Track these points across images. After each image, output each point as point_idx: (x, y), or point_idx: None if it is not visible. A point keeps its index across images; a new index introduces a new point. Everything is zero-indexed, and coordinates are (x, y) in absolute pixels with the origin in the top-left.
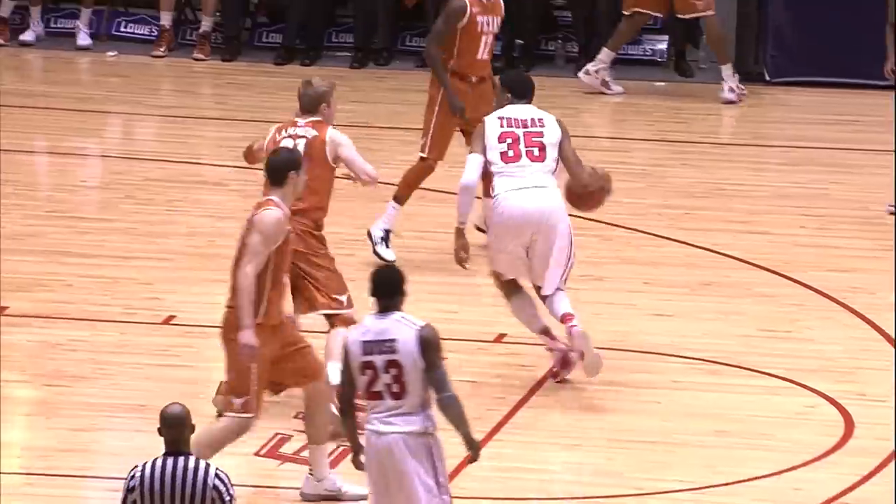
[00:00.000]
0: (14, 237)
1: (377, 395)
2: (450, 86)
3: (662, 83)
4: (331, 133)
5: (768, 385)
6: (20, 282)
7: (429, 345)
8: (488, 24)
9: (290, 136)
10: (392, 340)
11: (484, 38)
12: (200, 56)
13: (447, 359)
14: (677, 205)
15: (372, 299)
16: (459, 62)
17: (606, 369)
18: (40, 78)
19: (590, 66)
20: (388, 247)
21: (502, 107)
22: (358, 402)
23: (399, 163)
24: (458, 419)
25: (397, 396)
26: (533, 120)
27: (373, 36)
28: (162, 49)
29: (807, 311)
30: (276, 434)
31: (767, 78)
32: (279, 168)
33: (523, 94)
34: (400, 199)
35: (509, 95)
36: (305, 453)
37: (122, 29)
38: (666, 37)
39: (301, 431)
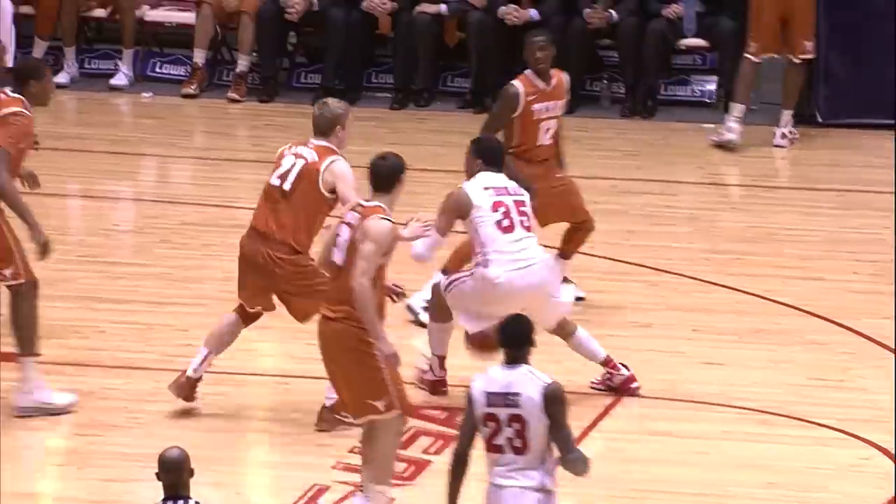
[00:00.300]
0: (46, 282)
1: (498, 449)
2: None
3: (712, 125)
4: (332, 164)
5: (820, 436)
6: (52, 328)
7: (554, 402)
8: (547, 110)
9: (292, 154)
10: (517, 395)
11: (543, 125)
12: (236, 97)
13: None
14: (726, 250)
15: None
16: (520, 148)
17: (653, 419)
18: (74, 120)
19: (784, 131)
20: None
21: (474, 175)
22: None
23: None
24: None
25: (519, 451)
26: (514, 188)
27: (413, 76)
28: (193, 87)
29: (859, 359)
30: (314, 485)
31: (820, 120)
32: (387, 174)
33: (496, 161)
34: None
35: (480, 162)
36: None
37: (158, 70)
38: (715, 77)
39: (341, 482)
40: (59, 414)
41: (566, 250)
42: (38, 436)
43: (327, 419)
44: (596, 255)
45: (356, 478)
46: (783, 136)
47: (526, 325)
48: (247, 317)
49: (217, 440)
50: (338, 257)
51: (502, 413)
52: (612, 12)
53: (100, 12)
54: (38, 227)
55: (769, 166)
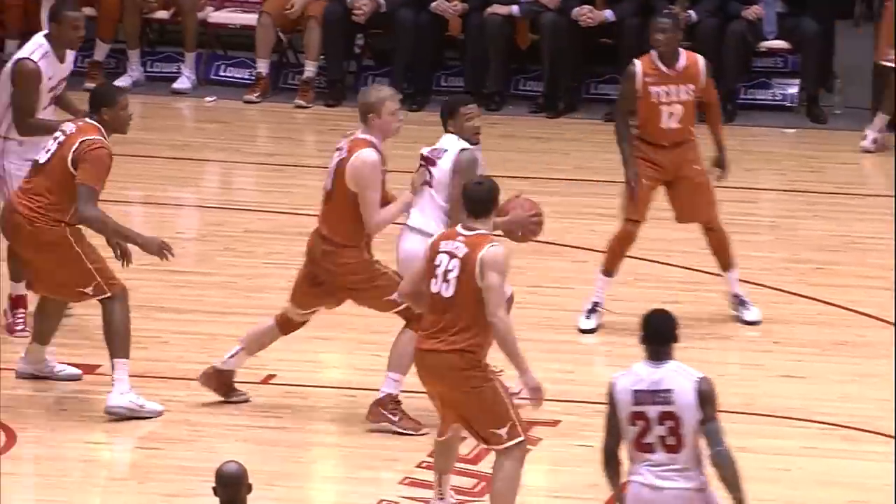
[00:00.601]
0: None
1: (648, 448)
2: (626, 156)
3: (793, 130)
4: (360, 161)
5: None
6: None
7: (708, 397)
8: (668, 94)
9: (336, 149)
10: (668, 391)
11: (664, 109)
12: (303, 103)
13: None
14: (808, 259)
15: (643, 346)
16: (644, 130)
17: (733, 434)
18: (137, 124)
19: (876, 136)
20: (589, 317)
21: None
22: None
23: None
24: (732, 477)
25: (672, 450)
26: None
27: (484, 79)
28: (256, 94)
29: None
30: (381, 501)
31: None
32: (487, 199)
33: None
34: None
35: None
36: None
37: (221, 73)
38: (797, 80)
39: (408, 498)
40: (145, 418)
41: (722, 264)
42: (98, 449)
43: (373, 412)
44: (672, 265)
45: (424, 493)
46: (874, 140)
47: (670, 319)
48: (286, 325)
49: (280, 454)
50: (443, 288)
51: (652, 411)
52: (692, 13)
53: (162, 14)
54: (143, 238)
55: (853, 172)
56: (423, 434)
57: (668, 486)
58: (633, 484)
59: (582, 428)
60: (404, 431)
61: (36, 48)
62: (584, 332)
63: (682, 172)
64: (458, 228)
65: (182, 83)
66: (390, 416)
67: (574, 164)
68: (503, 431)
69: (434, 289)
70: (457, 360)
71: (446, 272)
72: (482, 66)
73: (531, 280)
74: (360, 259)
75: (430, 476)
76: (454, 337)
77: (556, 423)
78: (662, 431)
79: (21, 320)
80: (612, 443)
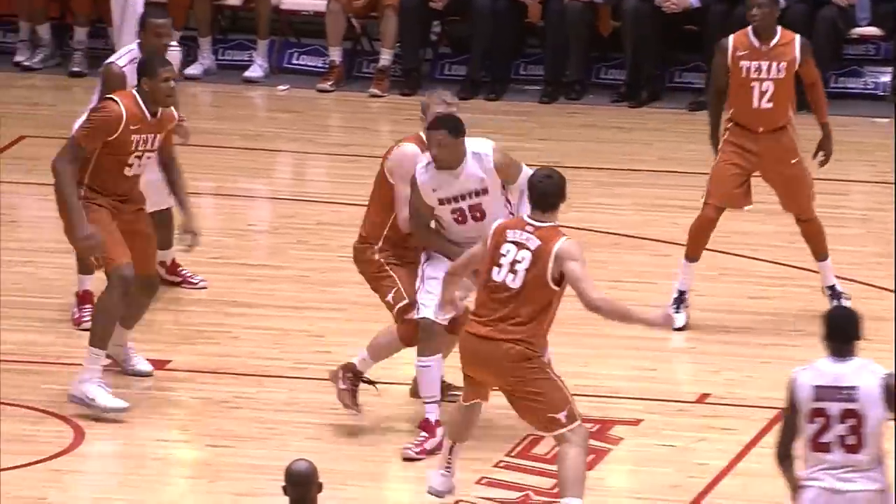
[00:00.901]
0: (176, 286)
1: (825, 447)
2: (713, 130)
3: (885, 120)
4: (400, 152)
5: None
6: (183, 333)
7: None
8: (758, 71)
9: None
10: (853, 388)
11: (755, 86)
12: (378, 92)
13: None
14: None
15: (826, 343)
16: (737, 112)
17: None
18: (208, 114)
19: None
20: (678, 310)
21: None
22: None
23: (594, 206)
24: None
25: (852, 450)
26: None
27: (564, 67)
28: (330, 83)
29: None
30: (458, 502)
31: None
32: (557, 193)
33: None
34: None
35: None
36: None
37: (294, 61)
38: (889, 69)
39: (485, 499)
40: (100, 412)
41: (815, 252)
42: (168, 446)
43: (335, 371)
44: (758, 259)
45: (502, 494)
46: None
47: (854, 316)
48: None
49: (353, 453)
50: (509, 279)
51: (833, 408)
52: None
53: (234, 0)
54: (73, 223)
55: None
56: (354, 414)
57: (851, 489)
58: (810, 489)
59: (664, 427)
60: (339, 400)
61: (125, 54)
62: (674, 329)
63: (776, 164)
64: (526, 218)
65: (254, 71)
66: (341, 382)
67: (657, 156)
68: (562, 415)
69: (497, 277)
70: (514, 350)
71: (514, 263)
72: (562, 54)
73: (612, 274)
74: (370, 257)
75: (508, 476)
76: (514, 328)
77: (637, 422)
78: (842, 430)
79: (87, 316)
80: (787, 440)
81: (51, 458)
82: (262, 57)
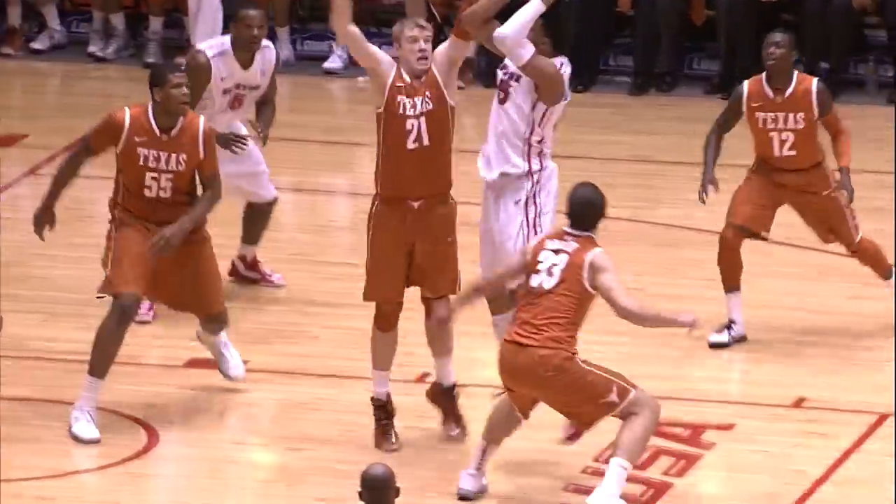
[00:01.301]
0: (254, 284)
1: None
2: (706, 161)
3: None
4: None
5: None
6: (260, 333)
7: None
8: (774, 122)
9: None
10: None
11: (774, 136)
12: (460, 84)
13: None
14: None
15: None
16: (762, 156)
17: None
18: (286, 106)
19: None
20: (722, 331)
21: None
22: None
23: (685, 202)
24: None
25: None
26: None
27: (655, 58)
28: None
29: None
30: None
31: None
32: (598, 214)
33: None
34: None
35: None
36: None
37: None
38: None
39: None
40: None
41: (879, 274)
42: (245, 450)
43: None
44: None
45: None
46: None
47: None
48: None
49: (433, 458)
50: (545, 280)
51: None
52: None
53: None
54: (42, 208)
55: None
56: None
57: None
58: None
59: (757, 432)
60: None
61: (214, 44)
62: (713, 346)
63: (808, 198)
64: (566, 228)
65: (333, 62)
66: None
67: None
68: (613, 396)
69: (534, 283)
70: (549, 353)
71: (551, 266)
72: (654, 44)
73: (707, 273)
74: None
75: (595, 483)
76: (548, 327)
77: (731, 426)
78: None
79: (147, 312)
80: None
81: (124, 461)
82: (342, 47)
